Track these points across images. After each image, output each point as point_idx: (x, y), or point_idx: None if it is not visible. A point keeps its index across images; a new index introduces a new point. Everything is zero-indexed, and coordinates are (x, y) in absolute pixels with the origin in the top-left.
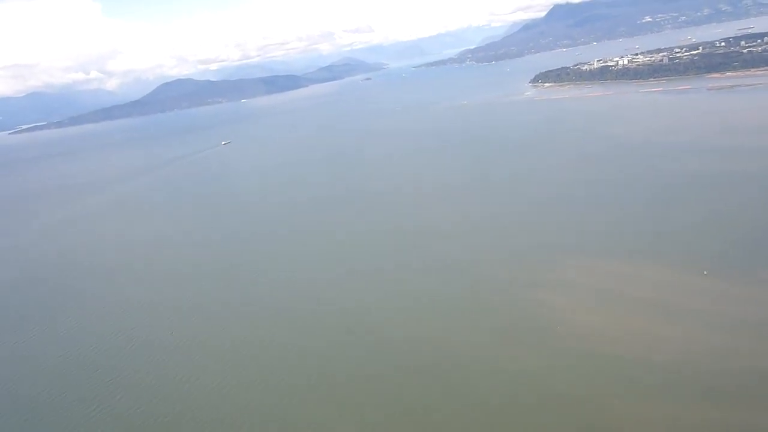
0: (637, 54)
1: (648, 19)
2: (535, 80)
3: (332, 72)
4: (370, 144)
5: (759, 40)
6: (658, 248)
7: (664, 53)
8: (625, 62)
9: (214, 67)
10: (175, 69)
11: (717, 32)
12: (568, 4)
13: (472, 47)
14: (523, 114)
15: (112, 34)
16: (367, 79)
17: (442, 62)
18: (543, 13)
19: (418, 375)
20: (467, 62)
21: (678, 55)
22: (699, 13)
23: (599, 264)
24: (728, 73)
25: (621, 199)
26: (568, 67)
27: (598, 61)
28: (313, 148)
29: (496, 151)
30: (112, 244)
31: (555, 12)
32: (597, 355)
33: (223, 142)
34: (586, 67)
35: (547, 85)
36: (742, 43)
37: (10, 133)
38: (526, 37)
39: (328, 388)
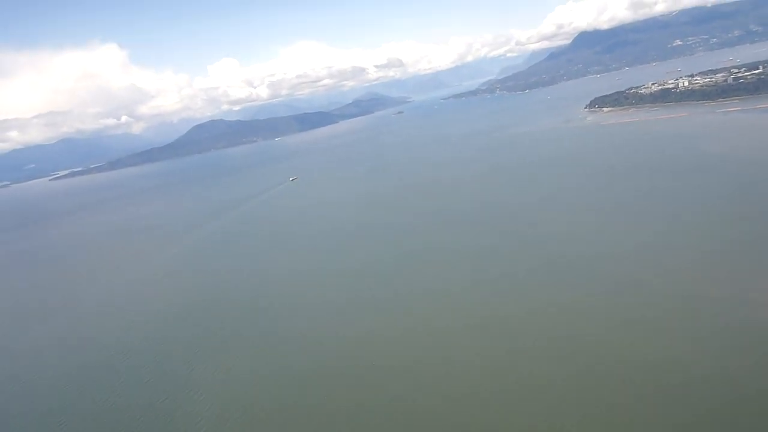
0: (693, 75)
1: (678, 42)
2: (591, 105)
3: (360, 107)
4: (453, 174)
5: None
6: None
7: (722, 74)
8: (686, 84)
9: (237, 108)
10: (198, 111)
11: (759, 52)
12: (595, 31)
13: (493, 77)
14: (603, 138)
15: (140, 80)
16: (400, 112)
17: (472, 93)
18: (568, 41)
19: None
20: (497, 92)
21: (740, 75)
22: (730, 35)
23: None
24: None
25: None
26: (623, 91)
27: (653, 84)
28: (392, 181)
29: (604, 173)
30: (258, 278)
31: (581, 39)
32: None
33: (290, 179)
34: (644, 90)
35: (606, 110)
36: None
37: (50, 180)
38: (555, 64)
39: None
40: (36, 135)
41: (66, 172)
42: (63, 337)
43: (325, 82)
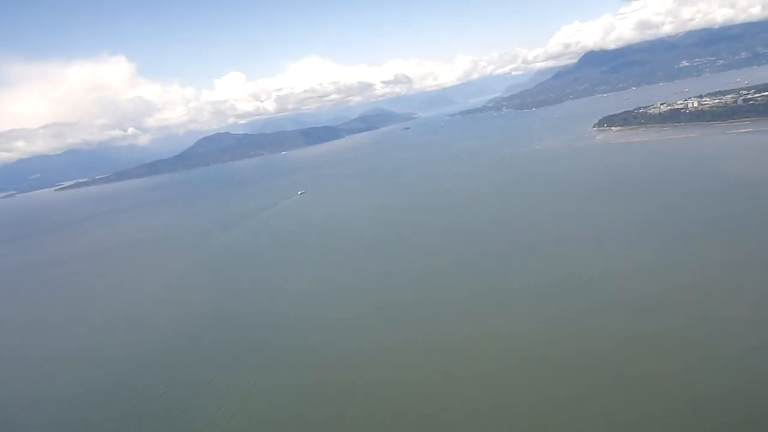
0: (702, 96)
1: (685, 63)
2: (599, 124)
3: (366, 123)
4: (463, 189)
5: None
6: None
7: (732, 95)
8: (695, 104)
9: (243, 121)
10: (205, 124)
11: (767, 74)
12: (602, 51)
13: (499, 95)
14: (614, 157)
15: (147, 93)
16: (406, 128)
17: (478, 110)
18: (574, 60)
19: None
20: (504, 109)
21: (750, 96)
22: (737, 57)
23: None
24: None
25: None
26: (632, 111)
27: (661, 104)
28: (402, 198)
29: (616, 191)
30: (270, 292)
31: (587, 59)
32: None
33: (299, 192)
34: (653, 110)
35: (615, 129)
36: None
37: (55, 190)
38: (562, 83)
39: None
40: (42, 145)
41: (71, 182)
42: (74, 349)
43: (333, 97)
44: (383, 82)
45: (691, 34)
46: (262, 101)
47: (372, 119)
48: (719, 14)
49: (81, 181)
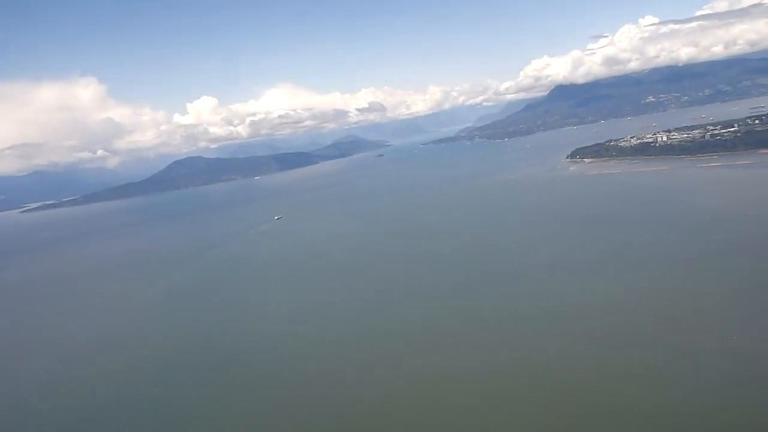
0: (670, 131)
1: (651, 99)
2: (572, 155)
3: (339, 149)
4: (439, 218)
5: None
6: None
7: (699, 130)
8: (665, 138)
9: (214, 146)
10: (176, 147)
11: (730, 111)
12: (571, 85)
13: (470, 125)
14: (589, 188)
15: (118, 115)
16: (380, 155)
17: (451, 139)
18: (545, 93)
19: None
20: (476, 139)
21: (717, 132)
22: (701, 94)
23: None
24: None
25: None
26: (603, 143)
27: (631, 137)
28: (380, 225)
29: (592, 223)
30: (248, 324)
31: (557, 92)
32: None
33: (275, 217)
34: (623, 143)
35: (587, 160)
36: None
37: (22, 212)
38: (532, 115)
39: None
40: (7, 166)
41: (38, 204)
42: (33, 389)
43: (307, 123)
44: (358, 110)
45: (656, 71)
46: (235, 126)
47: (345, 146)
48: (683, 52)
49: (48, 203)
